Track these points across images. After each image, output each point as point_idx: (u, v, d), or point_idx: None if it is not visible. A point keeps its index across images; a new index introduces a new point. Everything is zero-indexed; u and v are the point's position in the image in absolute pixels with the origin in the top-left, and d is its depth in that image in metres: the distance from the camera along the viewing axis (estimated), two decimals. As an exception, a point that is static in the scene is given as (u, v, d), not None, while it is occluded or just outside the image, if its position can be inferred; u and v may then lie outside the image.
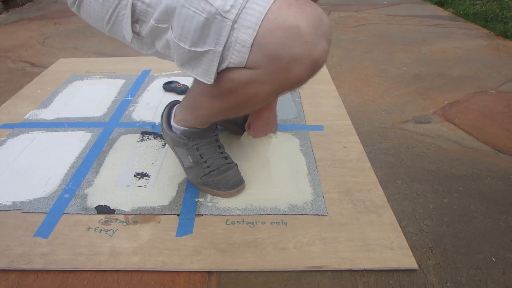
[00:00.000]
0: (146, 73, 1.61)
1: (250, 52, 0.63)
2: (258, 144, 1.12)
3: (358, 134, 1.16)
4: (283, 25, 0.60)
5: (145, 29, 0.72)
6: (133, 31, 0.73)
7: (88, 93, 1.45)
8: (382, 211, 0.88)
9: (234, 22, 0.62)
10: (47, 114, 1.32)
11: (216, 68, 0.67)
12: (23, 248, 0.80)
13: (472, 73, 1.57)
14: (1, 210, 0.90)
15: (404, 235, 0.81)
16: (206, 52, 0.66)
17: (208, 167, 0.90)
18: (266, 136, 1.14)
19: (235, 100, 0.74)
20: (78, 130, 1.22)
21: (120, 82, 1.53)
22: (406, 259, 0.76)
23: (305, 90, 1.43)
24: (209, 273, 0.75)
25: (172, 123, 0.92)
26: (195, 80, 0.79)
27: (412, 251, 0.77)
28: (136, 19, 0.71)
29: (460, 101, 1.36)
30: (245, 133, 1.11)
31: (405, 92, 1.44)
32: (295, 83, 0.68)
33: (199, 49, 0.66)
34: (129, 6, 0.69)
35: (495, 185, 0.95)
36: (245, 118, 1.12)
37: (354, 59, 1.75)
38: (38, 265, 0.77)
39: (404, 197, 0.92)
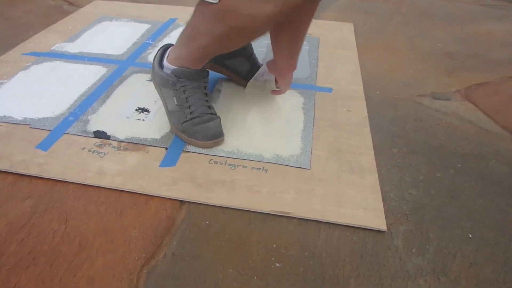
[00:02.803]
0: (172, 21, 1.63)
1: None
2: (261, 97, 1.11)
3: (367, 101, 1.12)
4: None
5: None
6: None
7: (113, 33, 1.50)
8: (367, 174, 0.85)
9: None
10: (72, 47, 1.38)
11: None
12: (23, 156, 0.87)
13: (513, 58, 1.44)
14: (13, 123, 0.98)
15: (382, 199, 0.79)
16: None
17: (191, 113, 0.90)
18: (271, 91, 1.12)
19: (234, 23, 0.73)
20: (95, 65, 1.27)
21: (145, 27, 1.56)
22: (376, 220, 0.74)
23: (324, 53, 1.39)
24: (181, 202, 0.78)
25: (165, 62, 0.92)
26: (195, 11, 0.79)
27: (386, 215, 0.75)
28: None
29: (490, 83, 1.26)
30: (249, 83, 1.10)
31: (431, 67, 1.35)
32: (295, 4, 0.67)
33: None
34: None
35: (498, 168, 0.89)
36: (249, 69, 1.10)
37: (386, 30, 1.66)
38: (33, 171, 0.83)
39: (396, 165, 0.89)
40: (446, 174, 0.87)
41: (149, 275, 0.63)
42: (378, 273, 0.65)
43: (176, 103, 0.91)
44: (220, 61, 1.12)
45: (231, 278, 0.64)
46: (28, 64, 1.25)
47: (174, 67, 0.89)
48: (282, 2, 0.67)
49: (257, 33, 0.80)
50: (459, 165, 0.89)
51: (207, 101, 0.93)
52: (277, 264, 0.66)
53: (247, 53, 1.09)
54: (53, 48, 1.36)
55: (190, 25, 0.85)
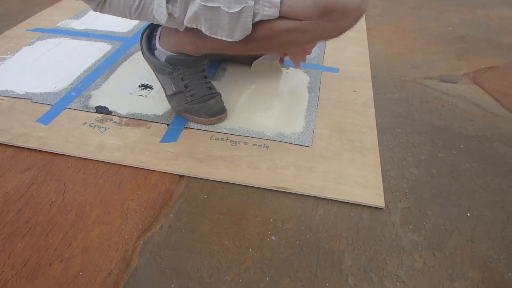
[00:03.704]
0: None
1: (299, 4, 0.63)
2: (266, 76, 1.10)
3: (373, 83, 1.10)
4: None
5: (177, 8, 0.69)
6: (167, 13, 0.70)
7: (118, 11, 1.49)
8: (368, 152, 0.84)
9: None
10: (77, 24, 1.38)
11: (251, 24, 0.66)
12: (24, 129, 0.88)
13: (525, 43, 1.41)
14: (15, 97, 0.98)
15: (382, 177, 0.78)
16: (241, 10, 0.64)
17: (191, 95, 0.88)
18: (277, 69, 1.11)
19: (265, 45, 0.73)
20: (100, 41, 1.26)
21: (151, 5, 1.55)
22: (374, 197, 0.73)
23: (331, 34, 1.36)
24: (181, 176, 0.78)
25: (157, 45, 0.86)
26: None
27: (385, 193, 0.75)
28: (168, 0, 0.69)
29: (499, 67, 1.23)
30: (254, 62, 1.09)
31: (441, 50, 1.32)
32: (336, 34, 0.69)
33: (235, 9, 0.64)
34: None
35: (502, 149, 0.87)
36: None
37: (397, 13, 1.62)
38: (33, 145, 0.84)
39: (398, 145, 0.87)
40: (448, 154, 0.85)
41: (144, 246, 0.64)
42: (373, 248, 0.65)
43: (174, 90, 0.89)
44: None
45: (226, 250, 0.64)
46: (32, 40, 1.25)
47: (169, 52, 0.84)
48: (320, 33, 0.68)
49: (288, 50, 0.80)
50: (462, 146, 0.88)
51: (206, 82, 0.90)
52: (273, 238, 0.66)
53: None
54: (58, 24, 1.36)
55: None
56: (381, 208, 0.72)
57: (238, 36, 0.68)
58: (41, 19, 1.41)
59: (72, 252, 0.62)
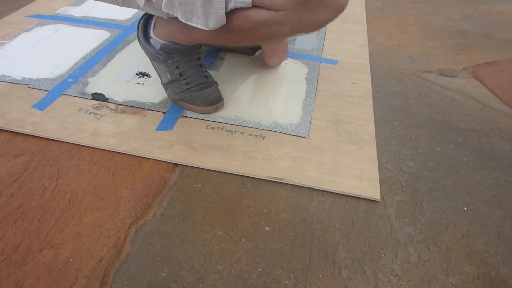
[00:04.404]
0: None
1: None
2: (264, 67, 1.09)
3: (372, 75, 1.09)
4: None
5: None
6: None
7: None
8: (365, 144, 0.84)
9: None
10: (77, 11, 1.36)
11: (224, 11, 0.65)
12: (19, 115, 0.87)
13: (527, 39, 1.39)
14: (12, 83, 0.97)
15: (379, 170, 0.77)
16: None
17: (187, 84, 0.87)
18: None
19: (245, 37, 0.72)
20: (99, 29, 1.25)
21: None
22: (370, 189, 0.73)
23: (333, 26, 1.35)
24: (175, 164, 0.77)
25: (152, 34, 0.86)
26: None
27: (381, 185, 0.74)
28: None
29: (499, 62, 1.22)
30: (256, 53, 1.08)
31: (440, 44, 1.31)
32: (315, 27, 0.67)
33: None
34: None
35: (500, 144, 0.86)
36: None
37: (397, 7, 1.60)
38: (28, 130, 0.83)
39: (395, 137, 0.87)
40: (446, 148, 0.85)
41: (136, 233, 0.63)
42: (368, 240, 0.64)
43: (170, 78, 0.88)
44: None
45: (219, 239, 0.63)
46: (31, 26, 1.24)
47: (163, 41, 0.84)
48: (298, 25, 0.66)
49: (270, 42, 0.78)
50: (460, 140, 0.87)
51: (202, 71, 0.89)
52: (266, 228, 0.66)
53: None
54: (57, 11, 1.35)
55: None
56: (377, 201, 0.71)
57: (212, 24, 0.67)
58: (40, 5, 1.39)
59: (64, 238, 0.61)
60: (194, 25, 0.69)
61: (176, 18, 0.72)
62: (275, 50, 0.99)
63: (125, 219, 0.65)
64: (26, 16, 1.29)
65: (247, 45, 1.10)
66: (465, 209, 0.71)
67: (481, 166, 0.80)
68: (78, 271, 0.57)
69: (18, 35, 1.18)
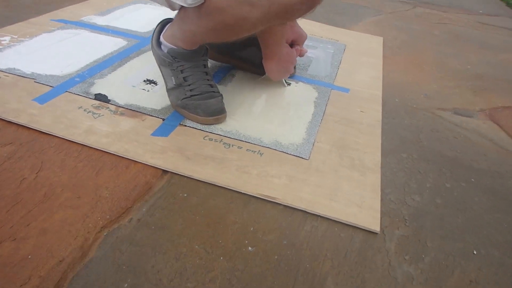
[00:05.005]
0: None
1: None
2: (273, 87, 1.06)
3: (383, 106, 1.05)
4: None
5: None
6: None
7: (143, 14, 1.51)
8: (369, 172, 0.78)
9: None
10: (100, 20, 1.39)
11: None
12: (18, 105, 0.85)
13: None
14: (20, 76, 0.97)
15: (381, 200, 0.71)
16: None
17: (190, 90, 0.86)
18: (287, 83, 1.08)
19: (223, 20, 0.72)
20: (117, 37, 1.26)
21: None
22: (369, 219, 0.66)
23: (349, 57, 1.33)
24: (165, 172, 0.73)
25: (161, 38, 0.87)
26: None
27: (382, 217, 0.68)
28: None
29: (520, 108, 1.16)
30: (261, 78, 1.06)
31: (457, 85, 1.27)
32: (285, 9, 0.67)
33: None
34: None
35: (517, 189, 0.80)
36: (262, 58, 1.06)
37: (416, 46, 1.59)
38: (23, 121, 0.81)
39: (402, 169, 0.81)
40: (456, 186, 0.78)
41: (107, 237, 0.58)
42: (361, 275, 0.57)
43: (174, 83, 0.87)
44: (234, 53, 1.09)
45: (195, 254, 0.58)
46: (53, 28, 1.26)
47: (170, 45, 0.85)
48: (268, 6, 0.67)
49: (245, 33, 0.77)
50: (472, 180, 0.80)
51: (208, 79, 0.88)
52: (249, 248, 0.60)
53: (259, 44, 1.05)
54: (82, 18, 1.38)
55: (183, 8, 0.81)
56: (376, 233, 0.65)
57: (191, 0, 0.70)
58: (67, 11, 1.43)
59: (28, 233, 0.57)
60: (174, 0, 0.72)
61: (177, 20, 0.75)
62: (274, 52, 0.97)
63: (98, 221, 0.60)
64: (52, 19, 1.32)
65: (255, 60, 1.08)
66: (474, 252, 0.63)
67: (494, 208, 0.73)
68: (33, 269, 0.52)
69: (39, 34, 1.19)
